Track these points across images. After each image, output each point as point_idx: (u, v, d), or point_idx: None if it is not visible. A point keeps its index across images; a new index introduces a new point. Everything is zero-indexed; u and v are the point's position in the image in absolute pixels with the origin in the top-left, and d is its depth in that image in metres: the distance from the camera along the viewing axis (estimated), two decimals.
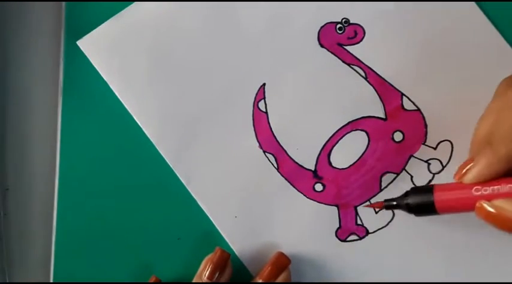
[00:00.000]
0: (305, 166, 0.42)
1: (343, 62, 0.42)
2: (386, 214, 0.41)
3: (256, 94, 0.42)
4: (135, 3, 0.43)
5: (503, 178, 0.34)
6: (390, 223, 0.41)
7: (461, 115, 0.41)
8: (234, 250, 0.42)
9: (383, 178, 0.41)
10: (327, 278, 0.41)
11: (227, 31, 0.43)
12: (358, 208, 0.41)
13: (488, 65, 0.41)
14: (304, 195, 0.42)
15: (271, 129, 0.42)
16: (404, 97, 0.42)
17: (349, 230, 0.41)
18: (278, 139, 0.42)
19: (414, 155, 0.41)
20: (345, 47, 0.42)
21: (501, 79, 0.38)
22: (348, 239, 0.41)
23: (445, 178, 0.41)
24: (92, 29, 0.43)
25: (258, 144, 0.42)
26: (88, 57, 0.43)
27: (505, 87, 0.36)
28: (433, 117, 0.41)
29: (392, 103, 0.42)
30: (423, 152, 0.41)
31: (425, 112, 0.41)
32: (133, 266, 0.42)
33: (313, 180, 0.42)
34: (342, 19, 0.42)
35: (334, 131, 0.42)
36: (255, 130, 0.42)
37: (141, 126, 0.43)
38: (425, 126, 0.41)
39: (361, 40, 0.42)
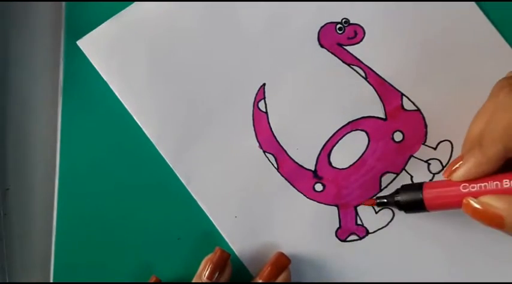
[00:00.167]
0: (305, 166, 0.42)
1: (343, 62, 0.42)
2: (386, 214, 0.41)
3: (256, 94, 0.42)
4: (135, 3, 0.43)
5: (490, 175, 0.35)
6: (390, 223, 0.41)
7: (461, 115, 0.41)
8: (234, 250, 0.42)
9: (383, 178, 0.41)
10: (327, 278, 0.41)
11: (227, 31, 0.43)
12: (358, 208, 0.41)
13: (488, 65, 0.41)
14: (304, 195, 0.42)
15: (271, 129, 0.42)
16: (404, 97, 0.42)
17: (349, 230, 0.41)
18: (278, 139, 0.42)
19: (414, 155, 0.41)
20: (345, 47, 0.42)
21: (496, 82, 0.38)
22: (348, 239, 0.41)
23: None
24: (92, 29, 0.43)
25: (258, 144, 0.42)
26: (88, 57, 0.43)
27: (499, 89, 0.36)
28: (433, 117, 0.41)
29: (392, 103, 0.42)
30: (423, 152, 0.41)
31: (425, 112, 0.41)
32: (133, 266, 0.42)
33: (313, 180, 0.42)
34: (342, 19, 0.42)
35: (334, 131, 0.42)
36: (255, 130, 0.42)
37: (141, 126, 0.43)
38: (425, 126, 0.41)
39: (361, 40, 0.42)
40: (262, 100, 0.42)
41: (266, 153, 0.42)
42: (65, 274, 0.43)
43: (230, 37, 0.43)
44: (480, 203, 0.34)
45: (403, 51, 0.42)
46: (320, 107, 0.42)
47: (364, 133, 0.42)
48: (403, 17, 0.42)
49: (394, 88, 0.42)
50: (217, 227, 0.42)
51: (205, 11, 0.43)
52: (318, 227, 0.41)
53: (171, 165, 0.42)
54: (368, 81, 0.42)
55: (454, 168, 0.36)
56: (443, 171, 0.37)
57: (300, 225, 0.41)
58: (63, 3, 0.43)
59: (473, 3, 0.41)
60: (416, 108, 0.41)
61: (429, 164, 0.41)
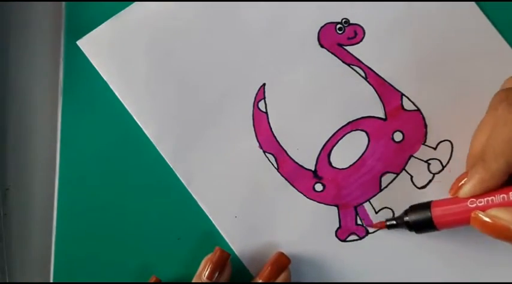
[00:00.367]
0: (305, 166, 0.42)
1: (343, 62, 0.42)
2: (386, 214, 0.41)
3: (256, 94, 0.42)
4: (135, 3, 0.43)
5: (496, 189, 0.35)
6: None
7: (461, 116, 0.41)
8: (234, 250, 0.42)
9: (383, 178, 0.41)
10: (327, 278, 0.41)
11: (227, 31, 0.43)
12: (358, 208, 0.41)
13: (488, 65, 0.41)
14: (304, 195, 0.42)
15: (271, 129, 0.42)
16: (404, 97, 0.42)
17: (349, 230, 0.41)
18: (278, 139, 0.42)
19: (414, 155, 0.41)
20: (345, 47, 0.42)
21: (501, 80, 0.38)
22: (348, 239, 0.41)
23: (445, 178, 0.41)
24: (92, 29, 0.43)
25: (258, 144, 0.42)
26: (88, 57, 0.43)
27: (497, 102, 0.36)
28: (433, 117, 0.41)
29: (392, 104, 0.42)
30: (423, 152, 0.41)
31: (425, 112, 0.41)
32: (133, 266, 0.42)
33: (313, 180, 0.42)
34: (342, 19, 0.42)
35: (334, 131, 0.42)
36: (255, 130, 0.42)
37: (141, 126, 0.43)
38: (425, 126, 0.41)
39: (361, 40, 0.42)
40: (262, 100, 0.42)
41: (266, 153, 0.42)
42: (65, 274, 0.43)
43: (230, 37, 0.43)
44: (488, 216, 0.35)
45: (403, 51, 0.42)
46: (320, 107, 0.42)
47: (364, 133, 0.42)
48: (403, 17, 0.42)
49: (394, 88, 0.42)
50: (217, 227, 0.42)
51: (205, 11, 0.43)
52: (318, 227, 0.41)
53: (171, 165, 0.42)
54: (368, 81, 0.42)
55: (459, 184, 0.36)
56: (449, 189, 0.38)
57: (300, 225, 0.41)
58: (63, 3, 0.43)
59: (473, 3, 0.41)
60: (416, 108, 0.41)
61: (429, 164, 0.41)
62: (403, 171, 0.41)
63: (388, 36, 0.42)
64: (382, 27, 0.42)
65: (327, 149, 0.42)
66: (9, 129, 0.44)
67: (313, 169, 0.42)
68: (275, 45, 0.42)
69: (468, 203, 0.36)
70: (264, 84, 0.42)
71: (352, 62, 0.42)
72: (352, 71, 0.42)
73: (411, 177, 0.41)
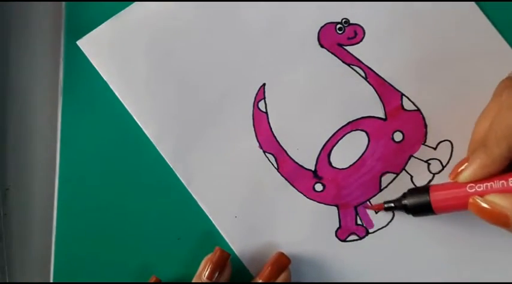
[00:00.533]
0: (305, 166, 0.42)
1: (343, 62, 0.42)
2: (386, 214, 0.41)
3: (256, 94, 0.42)
4: (135, 3, 0.43)
5: (496, 175, 0.35)
6: (390, 223, 0.41)
7: (461, 115, 0.41)
8: (234, 250, 0.42)
9: (383, 178, 0.41)
10: (327, 278, 0.41)
11: (227, 31, 0.43)
12: (358, 208, 0.41)
13: (488, 65, 0.41)
14: (304, 195, 0.42)
15: (271, 129, 0.42)
16: (404, 97, 0.42)
17: (349, 230, 0.41)
18: (278, 139, 0.42)
19: (414, 155, 0.41)
20: (345, 47, 0.42)
21: (501, 80, 0.38)
22: (348, 239, 0.41)
23: (445, 178, 0.40)
24: (92, 29, 0.43)
25: (258, 144, 0.42)
26: (88, 57, 0.43)
27: (502, 89, 0.36)
28: (433, 117, 0.41)
29: (392, 104, 0.42)
30: (423, 152, 0.41)
31: (425, 112, 0.41)
32: (133, 266, 0.42)
33: (313, 180, 0.42)
34: (342, 19, 0.42)
35: (334, 131, 0.42)
36: (255, 130, 0.42)
37: (141, 126, 0.43)
38: (425, 126, 0.41)
39: (361, 40, 0.42)
40: (262, 100, 0.42)
41: (266, 153, 0.42)
42: (65, 274, 0.43)
43: (230, 37, 0.43)
44: (486, 201, 0.35)
45: (403, 51, 0.42)
46: (320, 107, 0.42)
47: (364, 133, 0.42)
48: (403, 17, 0.42)
49: (394, 88, 0.42)
50: (217, 227, 0.42)
51: (205, 11, 0.43)
52: (318, 227, 0.41)
53: (171, 165, 0.42)
54: (368, 81, 0.42)
55: (459, 169, 0.36)
56: (449, 173, 0.37)
57: (300, 225, 0.41)
58: (63, 3, 0.43)
59: (473, 3, 0.41)
60: (416, 108, 0.41)
61: (429, 164, 0.41)
62: (403, 171, 0.41)
63: (388, 36, 0.42)
64: (382, 27, 0.42)
65: (327, 149, 0.42)
66: (9, 129, 0.44)
67: (313, 169, 0.42)
68: (275, 45, 0.42)
69: (467, 188, 0.36)
70: (264, 84, 0.42)
71: (352, 62, 0.42)
72: (352, 71, 0.42)
73: (411, 177, 0.41)
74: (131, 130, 0.43)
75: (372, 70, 0.42)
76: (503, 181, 0.35)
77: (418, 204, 0.38)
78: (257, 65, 0.42)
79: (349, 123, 0.42)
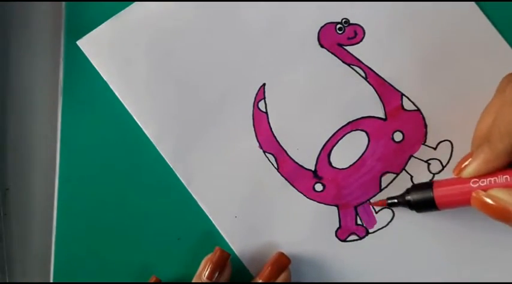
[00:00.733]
0: (305, 166, 0.42)
1: (343, 62, 0.42)
2: (386, 214, 0.41)
3: (256, 94, 0.42)
4: (135, 3, 0.43)
5: (500, 170, 0.35)
6: (390, 223, 0.41)
7: (461, 115, 0.41)
8: (234, 250, 0.42)
9: (383, 178, 0.41)
10: (327, 278, 0.41)
11: (227, 31, 0.43)
12: (358, 208, 0.41)
13: (488, 65, 0.41)
14: (304, 195, 0.42)
15: (271, 129, 0.42)
16: (404, 97, 0.42)
17: (349, 230, 0.41)
18: (278, 139, 0.42)
19: (414, 155, 0.41)
20: (345, 47, 0.42)
21: (501, 79, 0.38)
22: (348, 239, 0.41)
23: (445, 178, 0.41)
24: (92, 29, 0.43)
25: (258, 144, 0.42)
26: (88, 57, 0.43)
27: (505, 84, 0.36)
28: (433, 117, 0.41)
29: (392, 104, 0.42)
30: (423, 152, 0.41)
31: (425, 113, 0.41)
32: (133, 266, 0.42)
33: (313, 180, 0.42)
34: (342, 19, 0.42)
35: (334, 131, 0.42)
36: (255, 130, 0.42)
37: (141, 126, 0.43)
38: (425, 126, 0.41)
39: (361, 40, 0.42)
40: (262, 100, 0.42)
41: (266, 153, 0.42)
42: (64, 274, 0.43)
43: (230, 37, 0.43)
44: (489, 196, 0.35)
45: (403, 51, 0.42)
46: (320, 107, 0.42)
47: (364, 133, 0.42)
48: (403, 17, 0.42)
49: (394, 88, 0.42)
50: (217, 227, 0.42)
51: (205, 11, 0.43)
52: (318, 227, 0.41)
53: (171, 165, 0.42)
54: (368, 81, 0.42)
55: (463, 165, 0.36)
56: (453, 170, 0.37)
57: (300, 225, 0.41)
58: (63, 3, 0.43)
59: (473, 3, 0.41)
60: (416, 108, 0.41)
61: (429, 164, 0.41)
62: (403, 171, 0.41)
63: (388, 36, 0.42)
64: (382, 27, 0.42)
65: (327, 149, 0.42)
66: (9, 129, 0.44)
67: (313, 169, 0.42)
68: (275, 45, 0.42)
69: (471, 183, 0.36)
70: (264, 84, 0.42)
71: (352, 62, 0.42)
72: (352, 70, 0.42)
73: (411, 177, 0.41)
74: (131, 130, 0.43)
75: (372, 70, 0.42)
76: (506, 175, 0.35)
77: (422, 199, 0.38)
78: (257, 65, 0.42)
79: (349, 123, 0.42)
